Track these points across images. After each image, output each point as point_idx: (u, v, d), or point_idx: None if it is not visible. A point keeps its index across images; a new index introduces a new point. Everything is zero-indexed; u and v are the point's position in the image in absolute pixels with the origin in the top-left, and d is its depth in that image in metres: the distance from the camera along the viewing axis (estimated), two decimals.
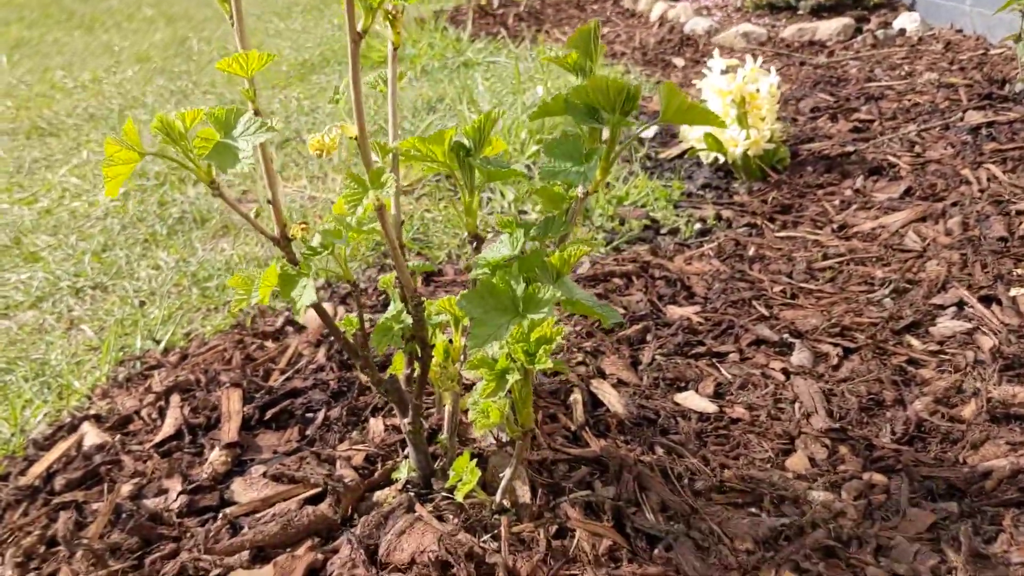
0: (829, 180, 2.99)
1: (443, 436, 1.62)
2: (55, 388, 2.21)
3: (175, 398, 1.97)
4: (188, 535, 1.54)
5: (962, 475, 1.58)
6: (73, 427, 1.98)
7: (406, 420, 1.55)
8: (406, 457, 1.67)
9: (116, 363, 2.27)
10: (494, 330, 1.27)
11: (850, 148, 3.24)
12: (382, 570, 1.40)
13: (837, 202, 2.81)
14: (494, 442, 1.67)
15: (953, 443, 1.68)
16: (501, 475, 1.55)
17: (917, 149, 3.17)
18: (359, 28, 1.15)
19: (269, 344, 2.24)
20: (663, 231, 2.76)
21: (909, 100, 3.72)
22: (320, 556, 1.43)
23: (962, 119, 3.39)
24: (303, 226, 1.42)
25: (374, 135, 2.83)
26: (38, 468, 1.80)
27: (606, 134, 1.37)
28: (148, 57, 6.81)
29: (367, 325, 1.51)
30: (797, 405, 1.80)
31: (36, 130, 4.86)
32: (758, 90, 3.02)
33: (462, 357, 1.56)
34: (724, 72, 3.04)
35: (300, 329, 2.31)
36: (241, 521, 1.56)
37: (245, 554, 1.46)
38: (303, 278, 1.40)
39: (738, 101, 3.02)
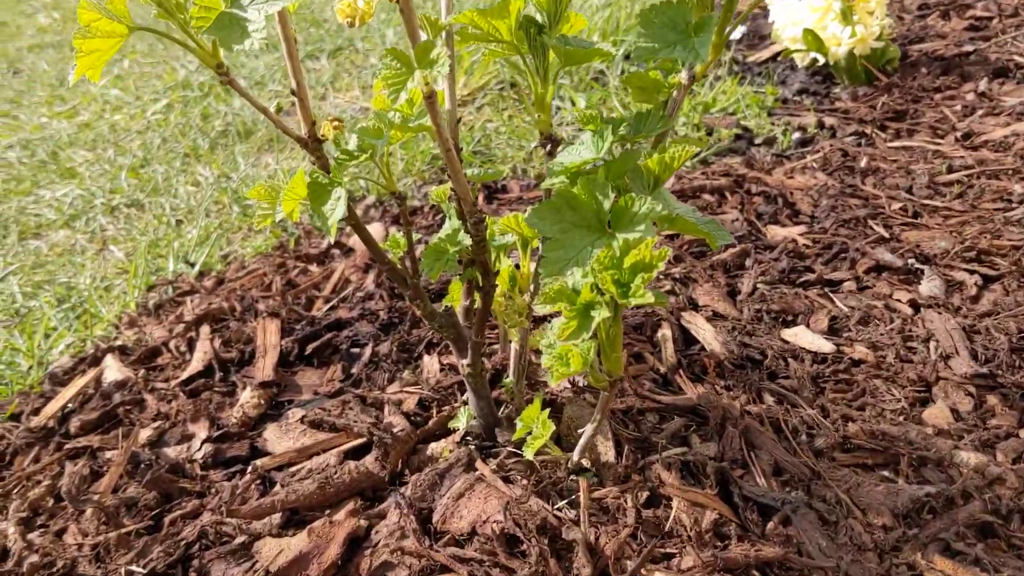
0: (947, 83, 2.61)
1: (508, 379, 1.36)
2: (81, 315, 2.00)
3: (205, 329, 1.74)
4: (213, 491, 1.32)
5: None
6: (96, 359, 1.77)
7: (465, 361, 1.29)
8: (465, 403, 1.42)
9: (146, 288, 2.05)
10: (574, 253, 1.00)
11: (968, 48, 2.84)
12: (436, 541, 1.15)
13: (959, 107, 2.44)
14: (569, 386, 1.40)
15: None
16: (579, 429, 1.29)
17: None
18: None
19: (313, 268, 1.99)
20: (757, 141, 2.43)
21: None
22: (363, 523, 1.19)
23: None
24: (336, 124, 1.15)
25: (420, 8, 2.54)
26: (52, 407, 1.59)
27: None
28: None
29: (419, 248, 1.25)
30: (932, 345, 1.50)
31: None
32: None
33: (532, 287, 1.30)
34: None
35: (348, 252, 2.06)
36: (273, 476, 1.33)
37: (276, 517, 1.23)
38: (336, 188, 1.13)
39: None
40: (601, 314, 0.95)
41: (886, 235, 1.84)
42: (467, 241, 1.15)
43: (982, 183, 2.02)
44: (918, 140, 2.29)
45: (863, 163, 2.15)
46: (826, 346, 1.52)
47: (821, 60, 2.77)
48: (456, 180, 1.10)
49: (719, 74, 2.99)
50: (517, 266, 1.27)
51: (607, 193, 1.02)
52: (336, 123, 1.15)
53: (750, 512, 1.16)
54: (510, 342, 1.38)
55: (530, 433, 1.21)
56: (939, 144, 2.25)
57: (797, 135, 2.42)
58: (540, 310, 0.99)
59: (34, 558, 1.24)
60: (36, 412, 1.61)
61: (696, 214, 1.13)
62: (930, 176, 2.07)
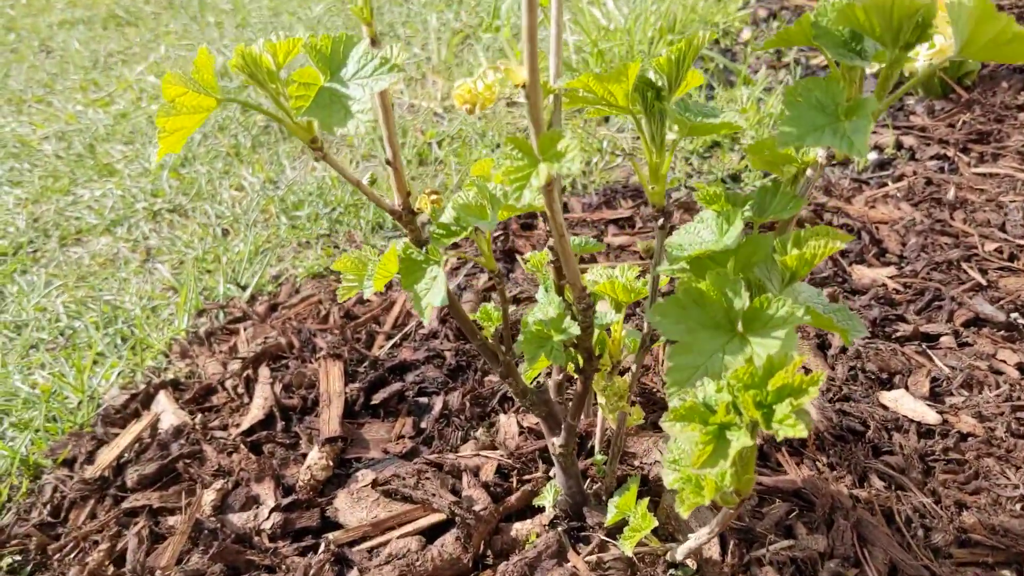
0: None
1: (599, 456, 1.27)
2: (129, 340, 1.92)
3: (264, 371, 1.65)
4: (284, 567, 1.24)
5: None
6: (148, 396, 1.68)
7: (557, 441, 1.19)
8: (549, 477, 1.33)
9: (196, 311, 1.97)
10: (704, 359, 0.91)
11: None
12: None
13: None
14: (656, 467, 1.31)
15: None
16: (678, 513, 1.20)
17: None
18: None
19: (372, 298, 1.90)
20: (832, 160, 2.31)
21: None
22: None
23: None
24: (434, 198, 1.05)
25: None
26: (107, 456, 1.51)
27: (869, 69, 0.98)
28: None
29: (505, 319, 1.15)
30: None
31: (113, 19, 4.53)
32: None
33: (627, 359, 1.21)
34: None
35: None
36: (348, 553, 1.25)
37: None
38: (432, 266, 1.04)
39: None
40: (740, 440, 0.86)
41: (983, 282, 1.73)
42: (574, 330, 1.05)
43: None
44: (1005, 166, 2.17)
45: (950, 194, 2.03)
46: (931, 415, 1.42)
47: None
48: (568, 267, 0.99)
49: (780, 78, 2.87)
50: (608, 330, 1.17)
51: (739, 291, 0.92)
52: (434, 196, 1.05)
53: None
54: (604, 417, 1.29)
55: (627, 523, 1.12)
56: None
57: (874, 155, 2.30)
58: (668, 429, 0.89)
59: None
60: (90, 459, 1.53)
61: (823, 298, 1.04)
62: (1023, 211, 1.95)
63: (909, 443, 1.37)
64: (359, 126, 0.85)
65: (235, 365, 1.71)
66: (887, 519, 1.23)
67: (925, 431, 1.40)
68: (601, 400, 1.17)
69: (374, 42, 0.93)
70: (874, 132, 2.46)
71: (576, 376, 1.12)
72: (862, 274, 1.79)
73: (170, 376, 1.77)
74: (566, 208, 2.22)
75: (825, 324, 0.96)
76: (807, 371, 1.40)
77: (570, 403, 1.15)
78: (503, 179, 0.85)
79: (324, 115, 0.86)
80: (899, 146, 2.33)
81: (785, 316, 0.87)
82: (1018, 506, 1.26)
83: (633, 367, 1.15)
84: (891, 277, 1.77)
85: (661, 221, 1.07)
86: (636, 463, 1.34)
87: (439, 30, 3.75)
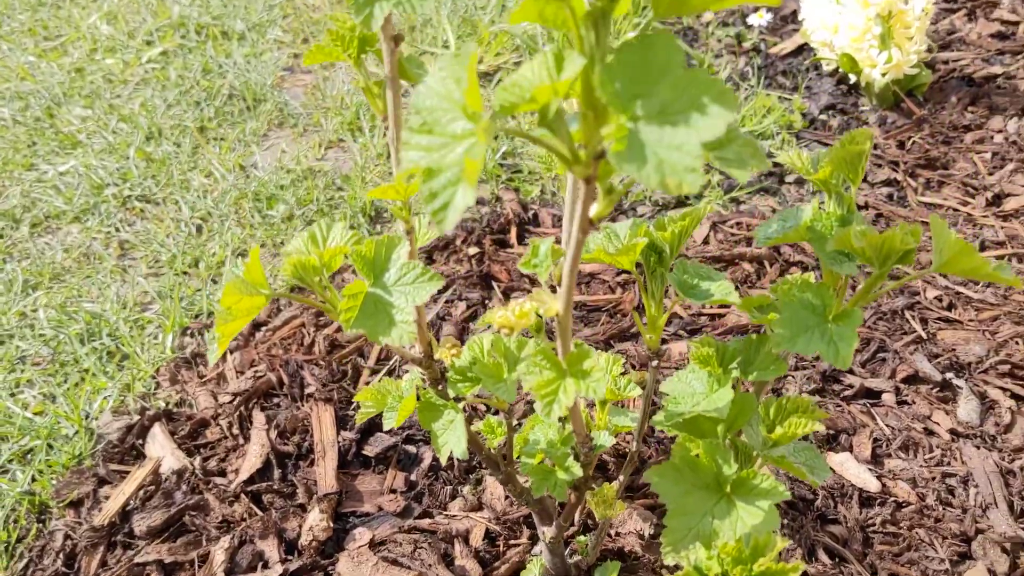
0: (976, 119, 2.60)
1: (581, 538, 1.41)
2: (115, 356, 1.98)
3: (258, 416, 1.74)
4: None
5: None
6: (143, 428, 1.77)
7: (548, 531, 1.33)
8: (533, 541, 1.47)
9: (180, 329, 2.03)
10: (696, 521, 1.03)
11: (996, 69, 2.82)
12: None
13: (988, 155, 2.45)
14: (638, 539, 1.46)
15: None
16: None
17: None
18: (592, 214, 0.82)
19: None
20: (788, 179, 2.43)
21: None
22: None
23: None
24: (454, 351, 1.14)
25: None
26: (113, 504, 1.60)
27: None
28: None
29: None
30: (972, 489, 1.58)
31: None
32: (907, 2, 2.57)
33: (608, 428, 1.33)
34: None
35: None
36: None
37: None
38: (451, 411, 1.14)
39: (884, 16, 2.58)
40: None
41: (923, 334, 1.89)
42: (576, 471, 1.17)
43: (1014, 267, 2.06)
44: (949, 196, 2.32)
45: None
46: (872, 483, 1.59)
47: (852, 77, 2.74)
48: (576, 425, 1.11)
49: (744, 70, 2.95)
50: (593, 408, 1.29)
51: (728, 459, 1.05)
52: (454, 349, 1.14)
53: None
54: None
55: None
56: (970, 205, 2.28)
57: None
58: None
59: None
60: (96, 502, 1.62)
61: (799, 450, 1.17)
62: None
63: (852, 513, 1.54)
64: (403, 336, 0.94)
65: (225, 398, 1.80)
66: None
67: (866, 498, 1.57)
68: (597, 513, 1.31)
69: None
70: (828, 142, 2.57)
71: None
72: None
73: (160, 403, 1.85)
74: (536, 220, 2.31)
75: (796, 472, 1.09)
76: None
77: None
78: (535, 391, 0.94)
79: (371, 325, 0.94)
80: None
81: (768, 489, 1.00)
82: None
83: (621, 477, 1.29)
84: None
85: (655, 363, 1.18)
86: (613, 532, 1.49)
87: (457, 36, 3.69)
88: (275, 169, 2.57)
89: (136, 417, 1.80)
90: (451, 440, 1.11)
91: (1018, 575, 1.46)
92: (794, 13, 3.15)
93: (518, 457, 1.25)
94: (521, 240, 2.23)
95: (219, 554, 1.49)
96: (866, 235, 0.98)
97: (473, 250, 2.17)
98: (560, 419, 1.25)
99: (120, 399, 1.87)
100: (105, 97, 2.99)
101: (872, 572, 1.45)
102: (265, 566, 1.48)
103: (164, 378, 1.91)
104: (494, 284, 2.07)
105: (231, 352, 1.94)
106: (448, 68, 0.72)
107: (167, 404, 1.84)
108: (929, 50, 2.78)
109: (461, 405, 1.13)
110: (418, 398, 1.16)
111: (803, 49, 3.03)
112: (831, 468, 1.63)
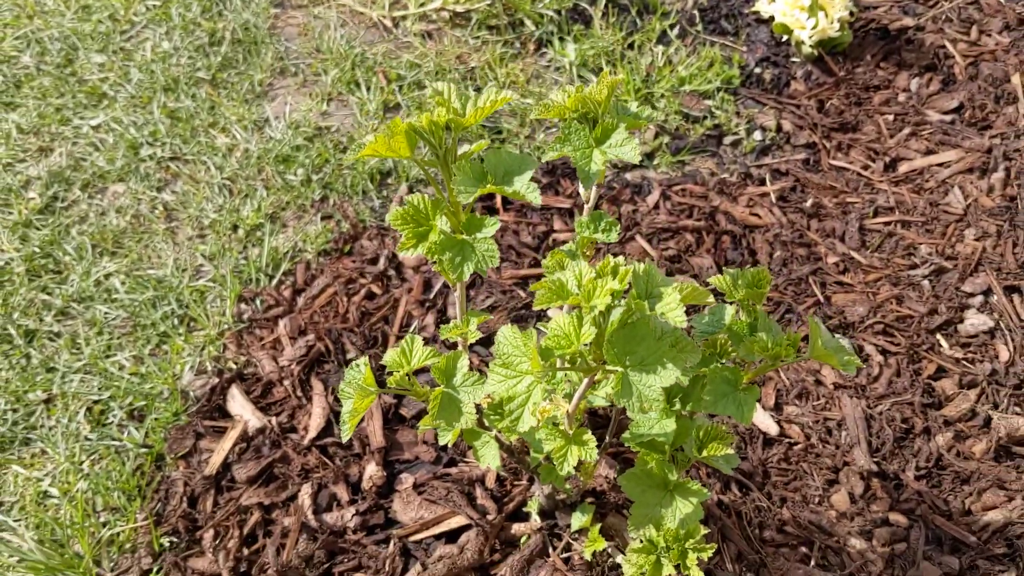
0: (886, 76, 3.07)
1: (568, 486, 2.01)
2: (184, 320, 2.47)
3: (316, 384, 2.27)
4: (366, 555, 1.97)
5: (965, 526, 2.04)
6: (223, 389, 2.29)
7: (545, 490, 1.92)
8: (532, 482, 2.06)
9: (236, 298, 2.50)
10: (651, 511, 1.61)
11: (909, 21, 3.25)
12: None
13: (891, 118, 2.94)
14: (606, 482, 2.06)
15: (963, 482, 2.12)
16: (619, 531, 1.97)
17: (973, 33, 3.21)
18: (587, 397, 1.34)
19: (376, 291, 2.48)
20: (726, 140, 2.91)
21: None
22: None
23: None
24: (488, 398, 1.67)
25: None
26: (217, 458, 2.15)
27: None
28: None
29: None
30: (844, 432, 2.20)
31: None
32: None
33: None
34: None
35: (399, 269, 2.55)
36: (409, 546, 1.98)
37: None
38: (486, 435, 1.69)
39: None
40: (668, 568, 1.60)
41: (821, 298, 2.46)
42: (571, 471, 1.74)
43: (898, 234, 2.61)
44: (855, 158, 2.83)
45: (809, 202, 2.70)
46: (773, 427, 2.20)
47: (785, 37, 3.16)
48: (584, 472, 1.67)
49: (691, 14, 3.33)
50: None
51: (672, 471, 1.63)
52: (488, 398, 1.67)
53: None
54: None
55: (585, 529, 1.89)
56: (870, 171, 2.79)
57: (758, 135, 2.90)
58: (629, 557, 1.63)
59: None
60: (201, 455, 2.17)
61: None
62: (860, 219, 2.65)
63: (756, 453, 2.15)
64: (467, 421, 1.47)
65: (284, 362, 2.32)
66: (739, 517, 2.04)
67: (768, 440, 2.19)
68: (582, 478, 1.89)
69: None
70: (762, 101, 3.04)
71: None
72: None
73: (232, 364, 2.36)
74: None
75: (715, 466, 1.67)
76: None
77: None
78: (553, 454, 1.49)
79: (446, 416, 1.46)
80: (779, 129, 2.93)
81: (697, 491, 1.59)
82: (817, 500, 2.09)
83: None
84: None
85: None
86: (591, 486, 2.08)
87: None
88: (287, 127, 2.97)
89: (215, 379, 2.32)
90: (488, 455, 1.67)
91: (870, 496, 2.10)
92: None
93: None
94: (505, 207, 2.70)
95: (305, 498, 2.06)
96: (757, 343, 1.51)
97: None
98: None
99: (198, 361, 2.38)
100: (116, 40, 3.29)
101: (768, 497, 2.08)
102: (339, 505, 2.06)
103: (231, 342, 2.41)
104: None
105: (280, 318, 2.44)
106: (520, 334, 1.22)
107: (237, 366, 2.36)
108: (851, 14, 3.19)
109: (495, 433, 1.68)
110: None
111: None
112: None
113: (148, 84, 3.11)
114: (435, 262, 1.33)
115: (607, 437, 1.83)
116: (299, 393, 2.28)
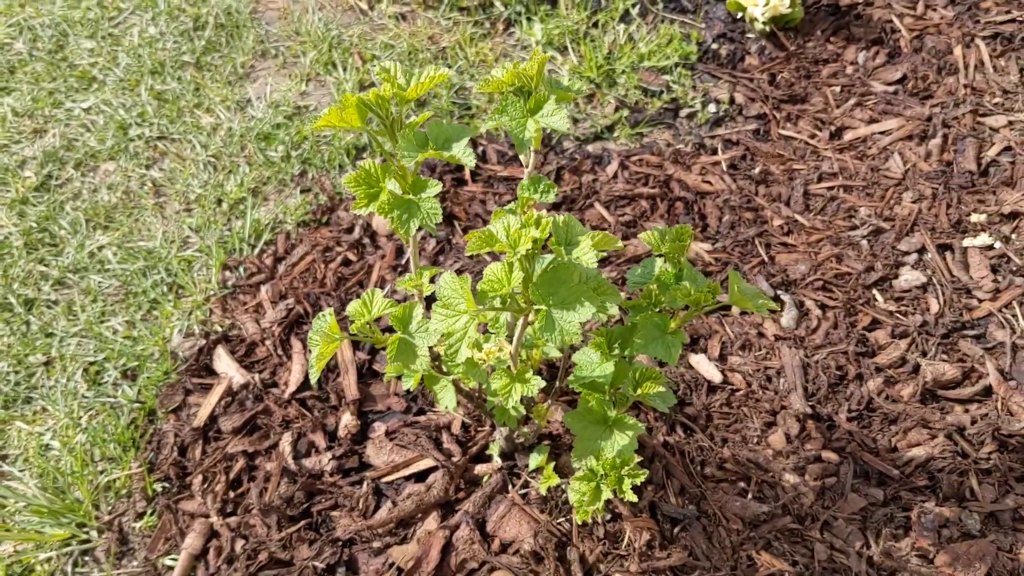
0: (835, 51, 3.25)
1: (525, 429, 2.20)
2: (173, 288, 2.65)
3: (295, 343, 2.46)
4: (342, 495, 2.16)
5: (891, 461, 2.24)
6: (210, 349, 2.48)
7: (503, 432, 2.11)
8: (493, 429, 2.25)
9: (221, 266, 2.68)
10: (592, 444, 1.80)
11: None
12: (491, 543, 2.06)
13: (838, 89, 3.12)
14: (561, 426, 2.25)
15: (891, 423, 2.31)
16: (571, 464, 2.16)
17: (920, 7, 3.38)
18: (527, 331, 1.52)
19: (352, 258, 2.66)
20: (682, 113, 3.08)
21: None
22: (447, 533, 2.08)
23: None
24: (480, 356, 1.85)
25: None
26: (204, 411, 2.34)
27: None
28: None
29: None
30: (782, 379, 2.39)
31: None
32: None
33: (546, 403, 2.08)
34: None
35: (373, 237, 2.73)
36: (381, 487, 2.17)
37: (392, 526, 2.10)
38: (444, 380, 1.88)
39: None
40: (606, 493, 1.80)
41: (765, 258, 2.65)
42: (522, 411, 1.93)
43: (840, 198, 2.80)
44: (803, 128, 3.01)
45: (758, 169, 2.88)
46: (717, 376, 2.39)
47: (739, 14, 3.33)
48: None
49: (657, 7, 3.50)
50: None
51: (610, 407, 1.81)
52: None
53: (667, 524, 2.10)
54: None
55: (541, 468, 2.08)
56: (817, 139, 2.97)
57: (712, 108, 3.08)
58: (573, 484, 1.81)
59: (241, 543, 2.09)
60: (189, 411, 2.36)
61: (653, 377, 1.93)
62: (805, 184, 2.83)
63: (701, 399, 2.34)
64: (422, 364, 1.65)
65: (266, 324, 2.51)
66: (682, 456, 2.23)
67: (712, 387, 2.38)
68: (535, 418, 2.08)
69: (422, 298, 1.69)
70: (717, 75, 3.21)
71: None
72: (691, 248, 2.67)
73: (217, 327, 2.54)
74: (485, 158, 2.95)
75: (650, 404, 1.86)
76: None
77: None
78: (499, 391, 1.68)
79: (403, 358, 1.65)
80: (732, 101, 3.11)
81: (632, 424, 1.78)
82: (756, 440, 2.28)
83: (549, 401, 2.05)
84: (708, 252, 2.66)
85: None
86: (543, 421, 2.27)
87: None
88: (268, 107, 3.14)
89: (202, 340, 2.51)
90: (446, 398, 1.86)
91: (804, 436, 2.29)
92: None
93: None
94: (474, 178, 2.88)
95: (285, 445, 2.25)
96: (683, 292, 1.69)
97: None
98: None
99: (186, 324, 2.56)
100: (105, 27, 3.45)
101: (711, 438, 2.27)
102: (317, 452, 2.25)
103: (216, 307, 2.60)
104: (455, 223, 2.75)
105: (262, 284, 2.63)
106: (457, 279, 1.41)
107: (223, 329, 2.54)
108: None
109: (451, 379, 1.87)
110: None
111: None
112: (691, 365, 2.42)
113: (136, 68, 3.28)
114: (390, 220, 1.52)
115: (557, 383, 2.02)
116: (280, 352, 2.46)
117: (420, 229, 1.53)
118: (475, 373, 1.79)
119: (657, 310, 1.77)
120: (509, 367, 1.70)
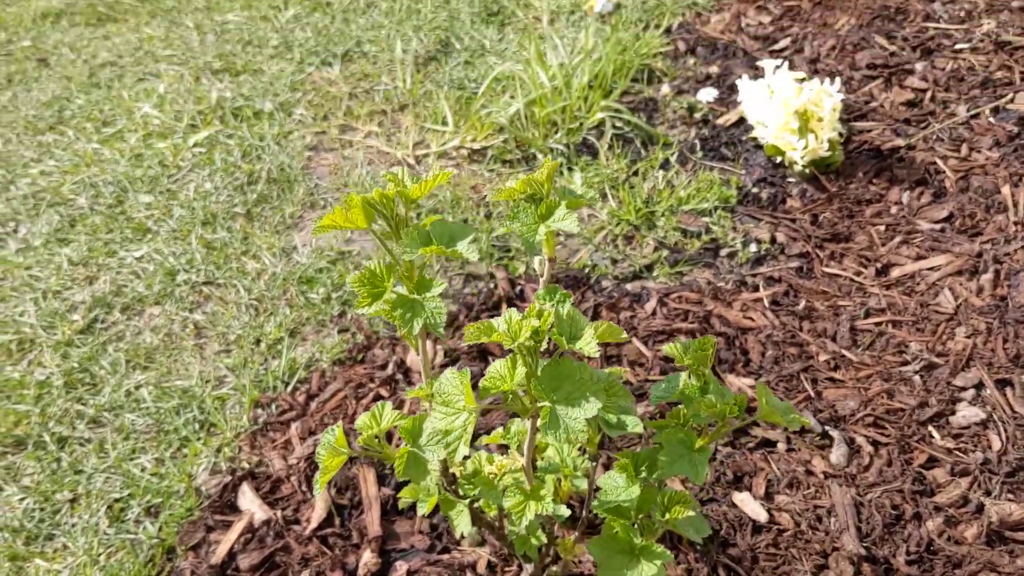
0: (878, 191, 3.22)
1: (555, 569, 2.06)
2: (205, 426, 2.63)
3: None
4: None
5: None
6: (235, 485, 2.42)
7: (528, 567, 1.98)
8: (521, 570, 2.12)
9: (253, 404, 2.67)
10: (616, 573, 1.66)
11: (900, 142, 3.42)
12: None
13: (883, 228, 3.07)
14: (592, 566, 2.11)
15: (955, 567, 2.12)
16: None
17: (964, 150, 3.35)
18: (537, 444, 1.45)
19: (384, 394, 2.62)
20: (722, 252, 3.05)
21: (963, 61, 3.82)
22: None
23: (1012, 101, 3.53)
24: (462, 467, 1.78)
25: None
26: (223, 548, 2.26)
27: None
28: None
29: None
30: (833, 519, 2.22)
31: (93, 11, 4.90)
32: (818, 104, 3.17)
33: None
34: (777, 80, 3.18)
35: (407, 373, 2.69)
36: None
37: None
38: (461, 504, 1.78)
39: (800, 113, 3.18)
40: None
41: (812, 393, 2.53)
42: (543, 539, 1.82)
43: (889, 333, 2.69)
44: (848, 266, 2.94)
45: (801, 305, 2.80)
46: (762, 515, 2.24)
47: (779, 158, 3.35)
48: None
49: (691, 141, 3.55)
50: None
51: (636, 535, 1.68)
52: (462, 466, 1.77)
53: None
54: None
55: None
56: (863, 274, 2.90)
57: (753, 247, 3.04)
58: None
59: None
60: (209, 546, 2.28)
61: (691, 511, 1.80)
62: (851, 320, 2.74)
63: (745, 539, 2.19)
64: (432, 477, 1.58)
65: (293, 460, 2.45)
66: None
67: (758, 528, 2.22)
68: (558, 547, 1.95)
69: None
70: (757, 217, 3.19)
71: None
72: (731, 382, 2.57)
73: (245, 464, 2.49)
74: (523, 296, 2.94)
75: (681, 532, 1.73)
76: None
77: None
78: (512, 511, 1.58)
79: (413, 473, 1.57)
80: (773, 241, 3.07)
81: (660, 553, 1.64)
82: None
83: (576, 533, 1.93)
84: (751, 387, 2.56)
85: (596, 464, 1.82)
86: (576, 560, 2.14)
87: (402, 55, 4.29)
88: (312, 252, 3.20)
89: (228, 477, 2.46)
90: (461, 523, 1.76)
91: None
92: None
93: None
94: (508, 303, 2.85)
95: None
96: (709, 406, 1.61)
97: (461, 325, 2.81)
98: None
99: (213, 462, 2.52)
100: (163, 183, 3.61)
101: None
102: None
103: (245, 443, 2.56)
104: (489, 358, 2.71)
105: (293, 421, 2.59)
106: (457, 374, 1.35)
107: (250, 465, 2.49)
108: (840, 135, 3.37)
109: (468, 501, 1.77)
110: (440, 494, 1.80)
111: (744, 120, 3.63)
112: (734, 503, 2.28)
113: (188, 219, 3.40)
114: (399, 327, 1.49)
115: (583, 512, 1.90)
116: (304, 488, 2.39)
117: (430, 335, 1.49)
118: (490, 493, 1.69)
119: (684, 427, 1.69)
120: (524, 484, 1.61)
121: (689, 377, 1.70)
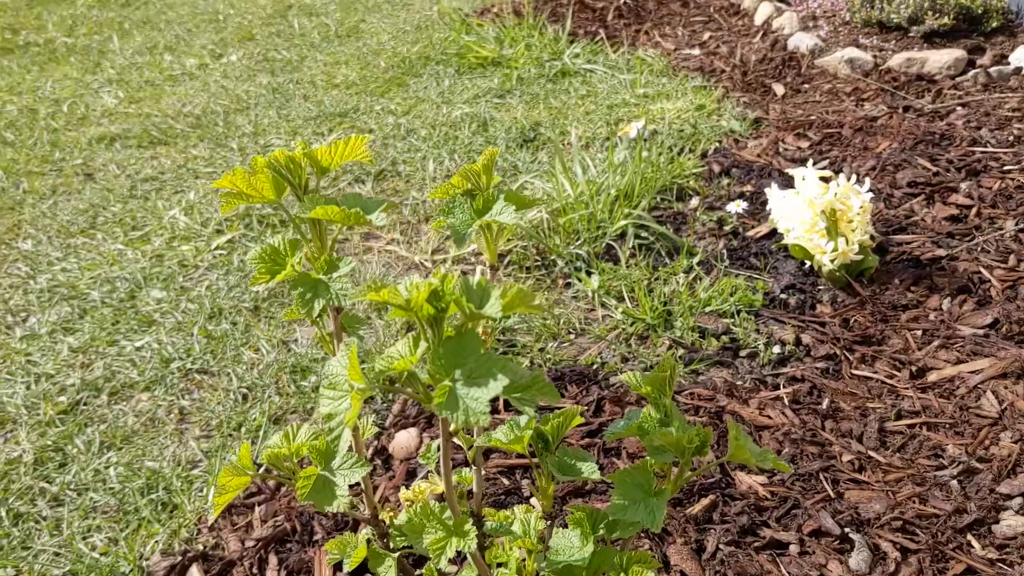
0: (915, 298, 2.99)
1: None
2: (168, 506, 2.44)
3: (272, 558, 2.17)
4: None
5: None
6: (184, 567, 2.20)
7: None
8: None
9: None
10: None
11: (942, 252, 3.21)
12: None
13: (920, 332, 2.82)
14: None
15: None
16: None
17: (1011, 261, 3.12)
18: (451, 428, 1.25)
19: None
20: (742, 353, 2.83)
21: (1012, 180, 3.63)
22: None
23: None
24: (391, 514, 1.56)
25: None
26: None
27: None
28: (251, 35, 6.96)
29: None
30: None
31: (147, 136, 5.07)
32: (846, 203, 3.01)
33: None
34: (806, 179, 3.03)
35: (387, 461, 2.48)
36: None
37: None
38: (389, 559, 1.55)
39: (828, 212, 3.01)
40: None
41: (831, 494, 2.24)
42: None
43: (923, 436, 2.40)
44: (879, 370, 2.68)
45: (826, 402, 2.54)
46: None
47: (807, 263, 3.16)
48: (482, 572, 1.50)
49: (718, 251, 3.38)
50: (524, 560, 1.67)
51: None
52: (391, 513, 1.56)
53: None
54: None
55: None
56: (896, 378, 2.63)
57: (777, 349, 2.81)
58: None
59: None
60: None
61: None
62: (880, 421, 2.46)
63: None
64: (340, 505, 1.36)
65: (250, 543, 2.23)
66: None
67: None
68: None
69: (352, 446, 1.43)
70: (782, 320, 2.97)
71: None
72: (742, 480, 2.30)
73: (200, 546, 2.28)
74: None
75: None
76: None
77: None
78: (430, 548, 1.35)
79: (318, 498, 1.37)
80: (798, 342, 2.84)
81: None
82: None
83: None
84: (763, 485, 2.28)
85: (549, 523, 1.58)
86: None
87: (434, 174, 4.29)
88: (310, 344, 3.07)
89: (179, 558, 2.24)
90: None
91: None
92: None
93: None
94: (507, 407, 2.65)
95: None
96: (665, 435, 1.39)
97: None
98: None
99: (168, 543, 2.31)
100: (178, 281, 3.57)
101: None
102: None
103: (204, 525, 2.35)
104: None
105: (259, 504, 2.38)
106: (346, 353, 1.18)
107: (205, 547, 2.27)
108: (872, 238, 3.18)
109: (398, 554, 1.54)
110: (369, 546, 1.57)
111: (775, 232, 3.47)
112: None
113: (195, 312, 3.33)
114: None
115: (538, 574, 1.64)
116: (255, 570, 2.16)
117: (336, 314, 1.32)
118: (414, 535, 1.47)
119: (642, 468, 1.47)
120: (449, 519, 1.38)
121: (649, 409, 1.49)
